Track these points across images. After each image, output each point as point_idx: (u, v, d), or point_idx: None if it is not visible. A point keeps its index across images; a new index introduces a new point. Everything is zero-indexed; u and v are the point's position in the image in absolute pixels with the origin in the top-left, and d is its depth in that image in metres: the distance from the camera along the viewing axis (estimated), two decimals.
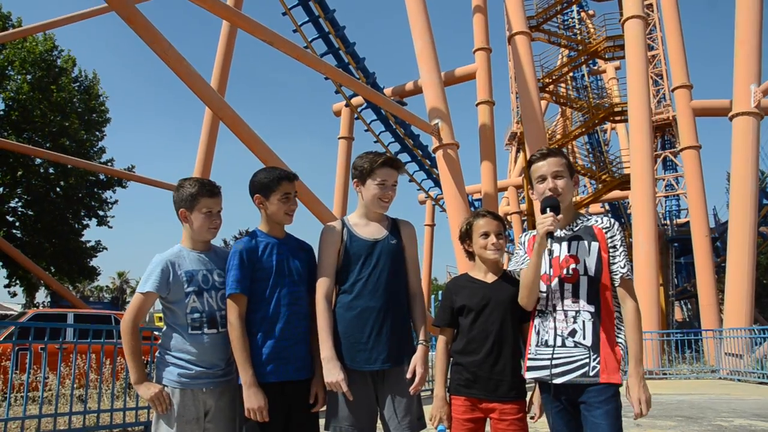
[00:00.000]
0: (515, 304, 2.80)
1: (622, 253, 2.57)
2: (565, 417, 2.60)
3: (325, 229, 2.98)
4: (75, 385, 6.79)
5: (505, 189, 33.35)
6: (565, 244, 2.64)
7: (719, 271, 23.48)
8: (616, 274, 2.55)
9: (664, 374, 15.36)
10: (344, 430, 2.79)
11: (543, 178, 2.64)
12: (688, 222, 24.74)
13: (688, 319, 32.07)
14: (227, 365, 2.79)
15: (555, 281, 2.63)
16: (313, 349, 2.86)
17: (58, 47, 26.91)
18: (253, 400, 2.66)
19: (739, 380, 14.04)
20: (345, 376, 2.72)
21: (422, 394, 2.96)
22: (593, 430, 2.47)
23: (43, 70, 25.70)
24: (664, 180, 35.60)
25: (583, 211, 25.41)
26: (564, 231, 2.67)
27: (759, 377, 13.37)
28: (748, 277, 15.93)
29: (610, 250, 2.57)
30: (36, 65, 25.56)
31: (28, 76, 25.47)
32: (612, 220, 2.64)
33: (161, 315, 2.83)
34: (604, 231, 2.61)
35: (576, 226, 2.67)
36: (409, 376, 2.79)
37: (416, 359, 2.83)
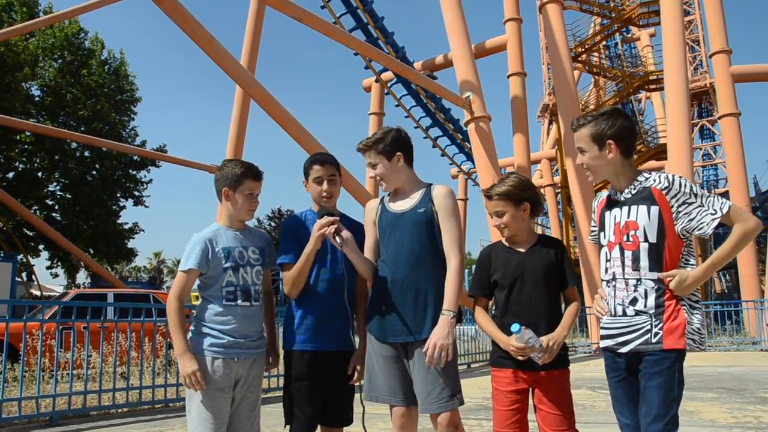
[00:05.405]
0: (551, 271, 2.78)
1: (706, 203, 2.39)
2: (626, 386, 2.55)
3: (365, 206, 3.10)
4: (117, 363, 6.95)
5: (538, 162, 32.99)
6: (625, 209, 2.52)
7: (760, 241, 22.94)
8: (713, 223, 2.36)
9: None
10: (381, 400, 2.83)
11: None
12: (727, 191, 24.17)
13: (727, 291, 31.47)
14: (259, 337, 2.94)
15: (616, 248, 2.54)
16: (353, 324, 3.03)
17: (84, 29, 27.09)
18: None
19: None
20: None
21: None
22: (645, 400, 2.42)
23: (72, 54, 25.99)
24: (700, 149, 34.80)
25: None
26: (623, 195, 2.55)
27: None
28: None
29: (682, 207, 2.40)
30: (64, 49, 25.84)
31: (59, 61, 25.78)
32: (671, 177, 2.44)
33: (197, 294, 2.92)
34: (663, 192, 2.43)
35: (634, 188, 2.52)
36: (424, 350, 2.66)
37: (432, 333, 2.68)
